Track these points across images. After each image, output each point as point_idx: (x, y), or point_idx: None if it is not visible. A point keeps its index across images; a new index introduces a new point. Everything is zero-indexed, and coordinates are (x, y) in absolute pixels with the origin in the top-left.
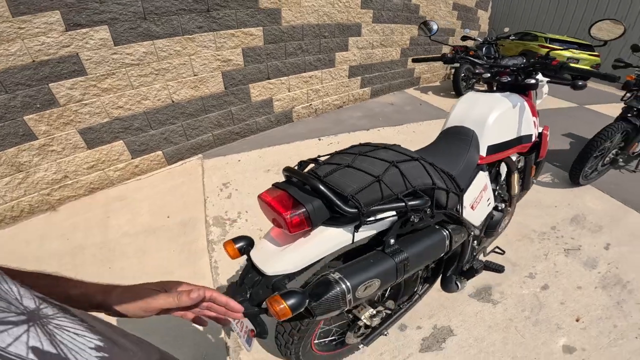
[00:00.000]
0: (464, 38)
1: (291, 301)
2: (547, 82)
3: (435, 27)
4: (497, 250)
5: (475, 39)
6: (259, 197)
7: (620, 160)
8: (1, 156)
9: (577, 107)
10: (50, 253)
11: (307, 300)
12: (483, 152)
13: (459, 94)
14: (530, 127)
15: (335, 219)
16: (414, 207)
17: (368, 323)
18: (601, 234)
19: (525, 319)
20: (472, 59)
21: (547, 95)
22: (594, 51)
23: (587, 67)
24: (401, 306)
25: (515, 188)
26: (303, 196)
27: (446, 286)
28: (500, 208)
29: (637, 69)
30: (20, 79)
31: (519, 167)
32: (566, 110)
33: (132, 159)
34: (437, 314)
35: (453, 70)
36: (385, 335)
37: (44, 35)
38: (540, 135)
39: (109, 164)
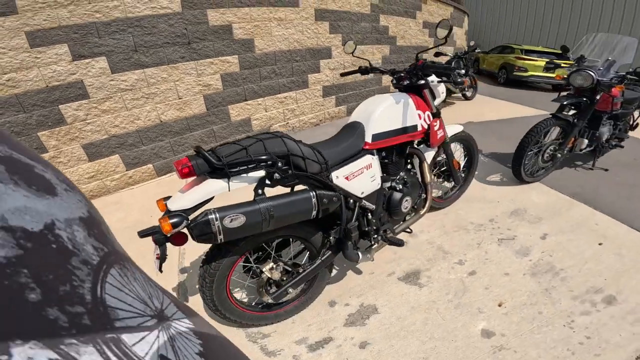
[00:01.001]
0: (437, 54)
1: (173, 220)
2: (439, 81)
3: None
4: (407, 230)
5: (446, 54)
6: (173, 164)
7: (559, 155)
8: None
9: (544, 115)
10: None
11: (185, 222)
12: (369, 139)
13: None
14: (415, 119)
15: (217, 173)
16: (266, 164)
17: (269, 275)
18: (540, 225)
19: (448, 302)
20: (381, 68)
21: (524, 106)
22: (569, 59)
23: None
24: (304, 267)
25: (427, 176)
26: (192, 157)
27: (346, 254)
28: (398, 189)
29: (566, 68)
30: (36, 100)
31: (439, 159)
32: (532, 118)
33: (126, 170)
34: (366, 294)
35: None
36: (289, 293)
37: (55, 64)
38: (429, 126)
39: (106, 175)
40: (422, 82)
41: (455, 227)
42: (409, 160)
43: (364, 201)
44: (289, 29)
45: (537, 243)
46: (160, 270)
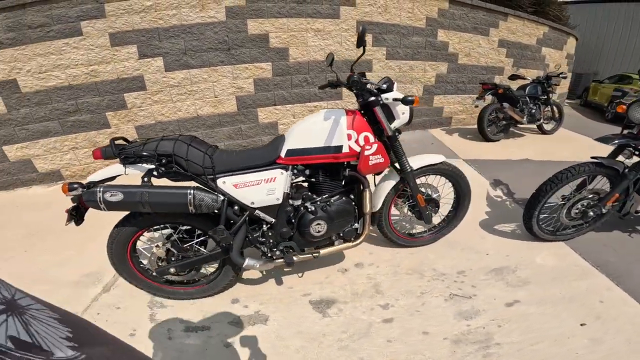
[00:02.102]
0: (513, 77)
1: (70, 185)
2: (394, 99)
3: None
4: (314, 255)
5: (525, 78)
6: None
7: (592, 214)
8: (87, 136)
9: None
10: None
11: (81, 189)
12: (282, 154)
13: (486, 138)
14: (341, 140)
15: (125, 160)
16: (154, 159)
17: (155, 251)
18: (518, 290)
19: (337, 340)
20: (343, 83)
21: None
22: None
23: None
24: (191, 255)
25: (367, 206)
26: (105, 146)
27: (230, 255)
28: (310, 210)
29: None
30: (108, 88)
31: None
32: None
33: None
34: (269, 304)
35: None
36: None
37: (126, 61)
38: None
39: None
40: (372, 99)
41: (410, 270)
42: (348, 185)
43: (258, 212)
44: (326, 40)
45: (495, 309)
46: (73, 222)
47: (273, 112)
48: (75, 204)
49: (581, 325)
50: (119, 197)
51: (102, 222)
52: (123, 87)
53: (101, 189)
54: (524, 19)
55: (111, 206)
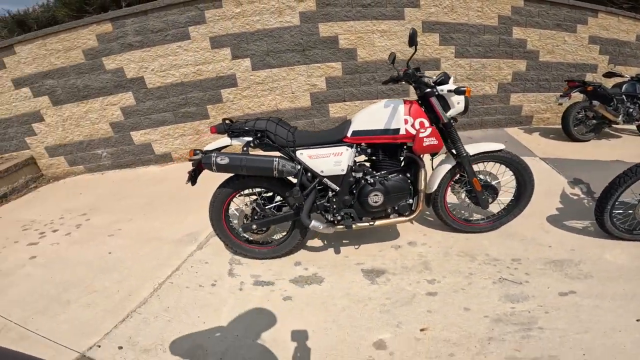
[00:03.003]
0: (609, 74)
1: (195, 152)
2: (449, 91)
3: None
4: (370, 224)
5: (622, 75)
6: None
7: None
8: (193, 125)
9: None
10: None
11: (201, 155)
12: (348, 134)
13: (572, 137)
14: (399, 124)
15: (229, 134)
16: (252, 134)
17: (244, 209)
18: (576, 282)
19: (380, 304)
20: (419, 74)
21: None
22: None
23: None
24: (271, 214)
25: (421, 183)
26: (219, 124)
27: (300, 216)
28: (370, 182)
29: None
30: (209, 85)
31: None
32: None
33: None
34: (325, 268)
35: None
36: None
37: (222, 62)
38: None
39: None
40: (427, 90)
41: (462, 253)
42: (406, 166)
43: (326, 180)
44: (392, 40)
45: (546, 296)
46: (190, 183)
47: (343, 107)
48: (194, 167)
49: (637, 320)
50: (226, 161)
51: (199, 203)
52: (220, 84)
53: (215, 155)
54: (618, 15)
55: (220, 168)
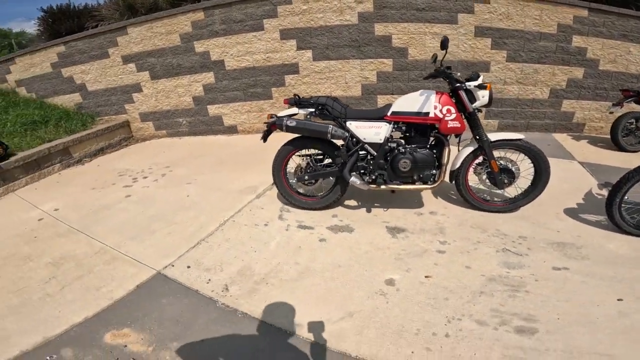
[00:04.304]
0: None
1: (272, 116)
2: (475, 86)
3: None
4: (398, 186)
5: None
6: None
7: None
8: (258, 104)
9: None
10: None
11: (275, 118)
12: (389, 113)
13: (619, 147)
14: (429, 108)
15: (297, 105)
16: (314, 106)
17: (300, 162)
18: (572, 261)
19: (396, 253)
20: (450, 73)
21: None
22: None
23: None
24: (320, 169)
25: (444, 158)
26: (290, 97)
27: (342, 172)
28: (401, 151)
29: None
30: (276, 70)
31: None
32: None
33: None
34: (357, 222)
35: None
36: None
37: (288, 51)
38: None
39: None
40: (457, 85)
41: (475, 225)
42: (433, 146)
43: (366, 145)
44: None
45: (539, 268)
46: (263, 140)
47: (390, 99)
48: (267, 128)
49: (618, 300)
50: (293, 124)
51: (259, 166)
52: (284, 71)
53: (285, 118)
54: None
55: (288, 129)
